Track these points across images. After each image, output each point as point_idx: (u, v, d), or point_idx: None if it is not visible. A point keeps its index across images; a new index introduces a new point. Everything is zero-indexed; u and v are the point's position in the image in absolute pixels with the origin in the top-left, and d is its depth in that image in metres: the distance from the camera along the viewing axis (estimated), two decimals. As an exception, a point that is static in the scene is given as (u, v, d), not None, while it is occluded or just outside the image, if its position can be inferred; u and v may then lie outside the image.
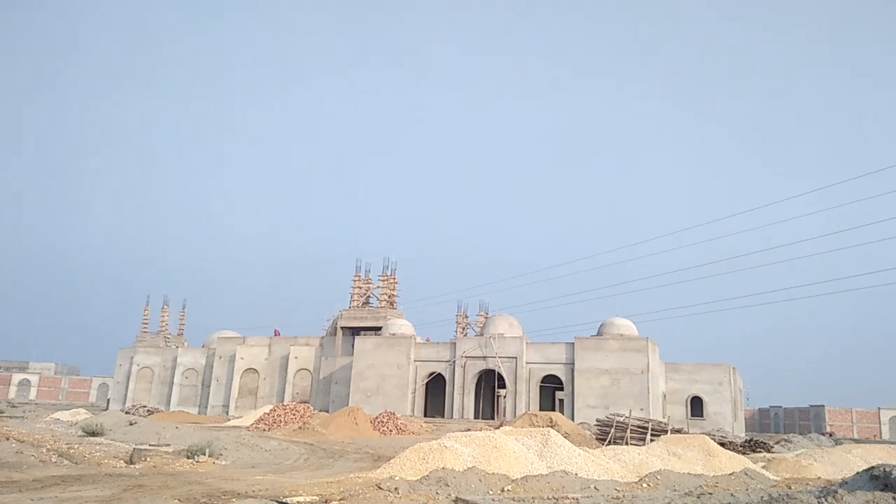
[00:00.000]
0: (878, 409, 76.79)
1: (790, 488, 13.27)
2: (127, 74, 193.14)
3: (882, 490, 9.18)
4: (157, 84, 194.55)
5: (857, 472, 10.41)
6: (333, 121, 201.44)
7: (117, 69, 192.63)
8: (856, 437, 67.40)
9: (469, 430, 26.96)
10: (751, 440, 32.06)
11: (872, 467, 10.04)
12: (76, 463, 17.07)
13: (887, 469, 9.57)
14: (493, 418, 45.82)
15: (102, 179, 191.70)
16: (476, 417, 46.60)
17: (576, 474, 14.22)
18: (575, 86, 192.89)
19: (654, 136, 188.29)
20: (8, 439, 19.89)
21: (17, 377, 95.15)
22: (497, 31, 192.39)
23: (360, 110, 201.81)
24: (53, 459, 17.12)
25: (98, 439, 23.22)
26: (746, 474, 15.51)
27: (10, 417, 37.60)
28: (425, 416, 47.17)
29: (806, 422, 78.07)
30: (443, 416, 46.73)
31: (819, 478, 18.18)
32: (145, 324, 68.62)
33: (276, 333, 60.01)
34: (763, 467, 19.72)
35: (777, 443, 36.14)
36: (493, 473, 13.67)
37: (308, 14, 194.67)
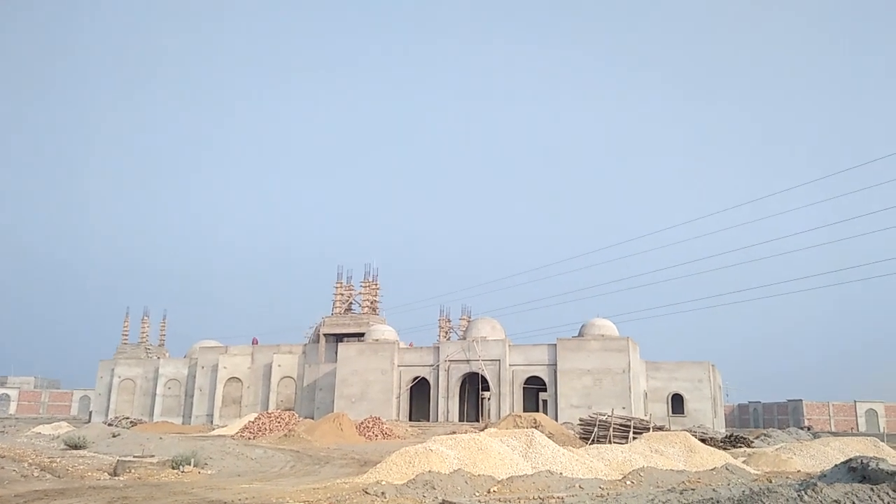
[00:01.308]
0: (855, 402, 78.13)
1: (771, 482, 13.58)
2: (119, 78, 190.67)
3: (860, 482, 9.46)
4: (139, 93, 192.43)
5: (836, 465, 10.72)
6: (312, 126, 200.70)
7: (108, 73, 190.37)
8: (833, 430, 68.55)
9: (454, 433, 27.08)
10: (731, 436, 32.52)
11: (850, 460, 10.35)
12: (59, 477, 16.94)
13: (864, 461, 9.87)
14: (477, 421, 45.96)
15: (81, 189, 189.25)
16: (461, 420, 46.74)
17: (560, 474, 14.41)
18: (563, 87, 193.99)
19: (639, 135, 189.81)
20: (-11, 455, 19.68)
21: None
22: (492, 29, 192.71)
23: (337, 114, 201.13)
24: (36, 474, 16.97)
25: (81, 452, 23.01)
26: (728, 469, 15.82)
27: (-11, 433, 37.04)
28: (410, 420, 47.21)
29: (785, 416, 79.21)
30: (428, 420, 46.80)
31: (798, 471, 18.58)
32: (126, 335, 67.81)
33: (255, 342, 59.72)
34: (744, 462, 20.08)
35: (757, 437, 36.66)
36: (478, 475, 13.81)
37: (294, 17, 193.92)
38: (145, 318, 69.41)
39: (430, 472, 13.55)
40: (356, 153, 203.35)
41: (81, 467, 18.49)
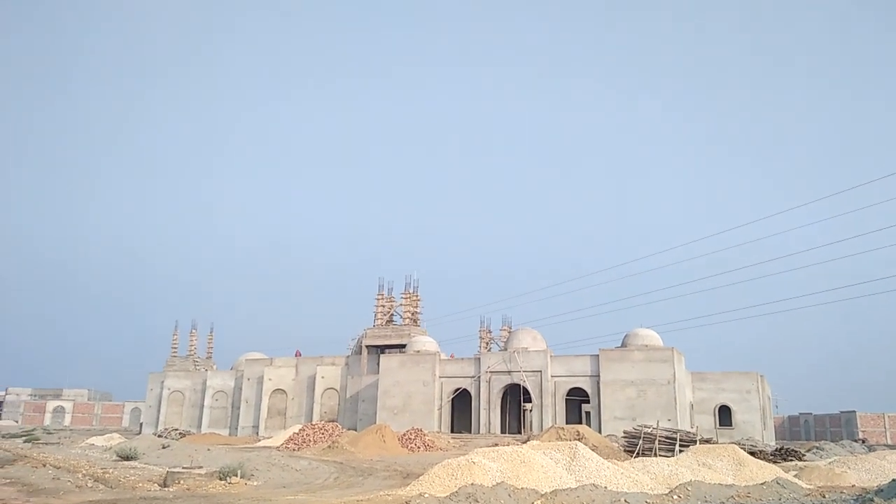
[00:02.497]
0: (912, 412, 75.20)
1: (824, 497, 13.18)
2: (131, 77, 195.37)
3: (917, 496, 9.15)
4: (170, 99, 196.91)
5: (893, 479, 10.38)
6: (343, 131, 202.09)
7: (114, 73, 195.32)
8: (889, 442, 66.06)
9: (496, 444, 27.00)
10: (781, 448, 31.64)
11: (906, 474, 10.01)
12: (111, 487, 17.39)
13: (921, 475, 9.55)
14: (519, 433, 45.64)
15: (127, 206, 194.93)
16: (503, 432, 46.48)
17: (605, 487, 14.24)
18: (593, 94, 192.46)
19: (671, 142, 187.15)
20: (45, 465, 20.37)
21: (52, 404, 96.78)
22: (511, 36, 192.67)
23: (363, 121, 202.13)
24: (89, 484, 17.47)
25: (132, 463, 23.59)
26: (778, 483, 15.39)
27: (46, 444, 38.29)
28: (452, 431, 47.15)
29: (837, 428, 76.62)
30: (470, 432, 46.66)
31: (853, 486, 17.99)
32: (174, 348, 69.48)
33: (298, 354, 60.52)
34: (795, 476, 19.52)
35: (808, 450, 35.58)
36: (521, 488, 13.73)
37: (314, 15, 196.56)
38: (193, 331, 71.05)
39: (472, 484, 13.53)
40: (393, 163, 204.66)
41: (133, 478, 18.96)
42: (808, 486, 17.01)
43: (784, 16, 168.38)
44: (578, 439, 27.14)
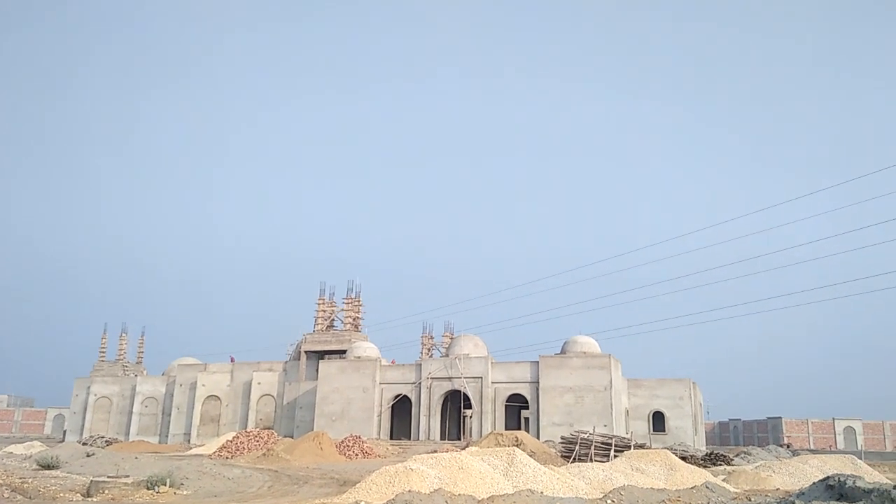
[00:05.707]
0: (833, 419, 78.69)
1: (750, 500, 13.63)
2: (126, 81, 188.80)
3: (837, 500, 9.54)
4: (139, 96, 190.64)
5: (814, 483, 10.79)
6: (288, 135, 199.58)
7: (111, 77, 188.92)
8: (812, 447, 68.91)
9: (436, 451, 26.93)
10: (711, 453, 32.62)
11: (828, 477, 10.42)
12: (30, 498, 16.57)
13: (842, 479, 9.95)
14: (459, 439, 45.73)
15: (52, 200, 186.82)
16: (443, 439, 46.47)
17: (542, 493, 14.34)
18: (552, 90, 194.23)
19: (638, 143, 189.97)
20: (-42, 475, 19.23)
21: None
22: (494, 32, 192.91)
23: (315, 119, 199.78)
24: (6, 495, 16.58)
25: (54, 472, 22.54)
26: (707, 487, 15.82)
27: (-41, 453, 36.19)
28: (392, 438, 46.87)
29: (764, 434, 79.59)
30: (409, 439, 46.48)
31: (778, 489, 18.65)
32: (103, 352, 66.84)
33: (232, 360, 59.14)
34: (724, 480, 20.11)
35: (737, 455, 36.77)
36: (459, 495, 13.69)
37: (297, 20, 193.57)
38: (123, 334, 68.59)
39: (409, 491, 13.42)
40: (338, 166, 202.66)
41: (53, 488, 18.10)
42: (736, 490, 17.54)
43: (782, 11, 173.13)
44: (517, 445, 27.35)
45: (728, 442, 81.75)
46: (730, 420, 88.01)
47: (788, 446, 58.49)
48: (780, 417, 79.36)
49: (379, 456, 34.77)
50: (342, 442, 35.54)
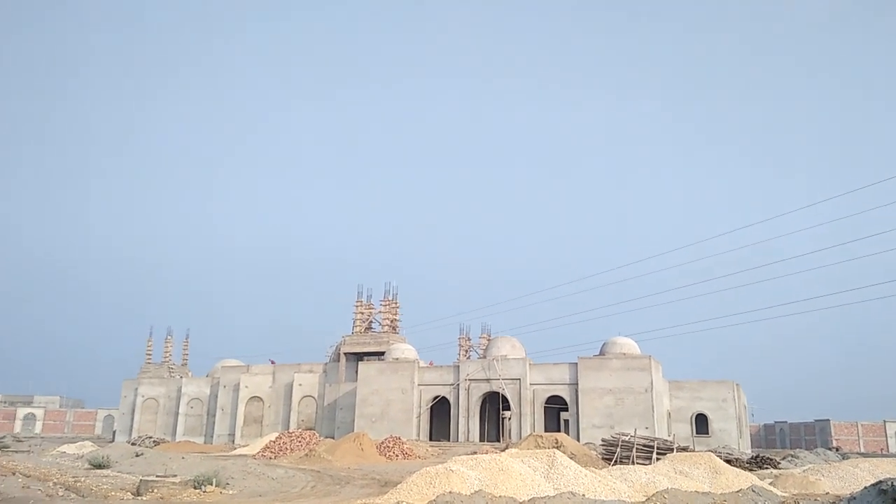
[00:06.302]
0: (884, 422, 76.29)
1: (797, 504, 13.32)
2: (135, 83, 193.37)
3: (890, 504, 9.27)
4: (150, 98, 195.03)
5: (866, 487, 10.50)
6: (325, 139, 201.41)
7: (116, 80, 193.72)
8: (862, 450, 66.98)
9: (475, 453, 26.94)
10: (757, 456, 31.94)
11: (880, 481, 10.12)
12: (83, 496, 17.07)
13: (895, 483, 9.66)
14: (498, 441, 45.62)
15: (103, 208, 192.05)
16: (482, 440, 46.42)
17: (583, 495, 14.26)
18: (578, 96, 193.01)
19: (654, 147, 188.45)
20: (14, 474, 19.90)
21: (23, 411, 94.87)
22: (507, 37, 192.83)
23: (350, 125, 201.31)
24: (60, 493, 17.12)
25: (104, 472, 23.18)
26: (754, 491, 15.51)
27: (16, 452, 37.47)
28: (431, 439, 46.99)
29: (812, 436, 77.58)
30: (448, 440, 46.54)
31: (827, 493, 18.18)
32: (149, 355, 68.56)
33: (272, 363, 60.02)
34: (770, 484, 19.71)
35: (783, 458, 35.94)
36: (499, 496, 13.70)
37: (298, 20, 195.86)
38: (168, 337, 70.22)
39: (450, 492, 13.47)
40: (374, 171, 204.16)
41: (105, 487, 18.63)
42: (783, 494, 17.16)
43: (782, 13, 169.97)
44: (557, 447, 27.17)
45: (774, 445, 79.90)
46: (776, 423, 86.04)
47: (837, 449, 56.90)
48: (828, 420, 77.27)
49: (419, 457, 34.91)
50: (382, 443, 35.79)
